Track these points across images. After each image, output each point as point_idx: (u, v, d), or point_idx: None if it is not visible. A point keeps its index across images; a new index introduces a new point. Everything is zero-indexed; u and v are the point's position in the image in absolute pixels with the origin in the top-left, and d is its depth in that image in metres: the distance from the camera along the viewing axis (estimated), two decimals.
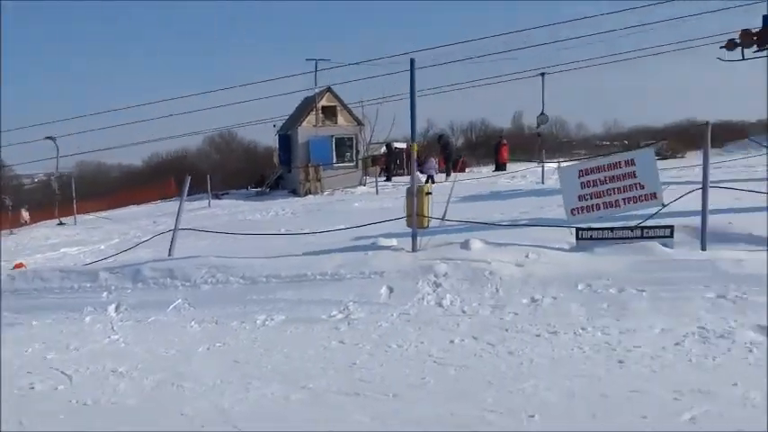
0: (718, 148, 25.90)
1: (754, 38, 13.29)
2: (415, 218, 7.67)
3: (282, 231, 11.84)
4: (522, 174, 20.51)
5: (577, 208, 7.38)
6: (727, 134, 29.93)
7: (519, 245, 7.20)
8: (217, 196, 24.82)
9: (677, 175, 12.80)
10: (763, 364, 4.29)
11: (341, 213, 14.87)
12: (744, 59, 13.38)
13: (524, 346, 4.96)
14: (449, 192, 9.28)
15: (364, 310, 6.21)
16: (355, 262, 7.28)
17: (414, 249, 7.56)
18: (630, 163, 7.13)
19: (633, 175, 7.08)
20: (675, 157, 24.35)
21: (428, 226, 7.87)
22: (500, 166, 26.84)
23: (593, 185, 7.26)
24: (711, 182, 6.99)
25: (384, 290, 6.58)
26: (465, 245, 7.29)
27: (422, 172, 24.17)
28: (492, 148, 29.70)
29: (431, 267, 6.84)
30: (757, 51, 13.43)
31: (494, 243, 7.34)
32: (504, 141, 28.95)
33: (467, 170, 27.63)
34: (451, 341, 5.21)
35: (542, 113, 27.46)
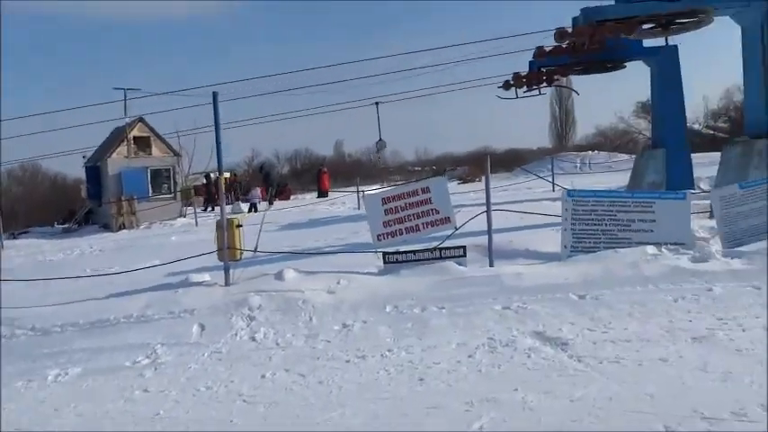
0: (508, 172, 29.21)
1: (523, 80, 15.58)
2: (226, 251, 7.54)
3: (87, 272, 10.90)
4: (341, 200, 21.08)
5: (383, 233, 7.78)
6: (519, 160, 33.97)
7: (331, 272, 7.38)
8: (13, 236, 22.21)
9: (474, 198, 13.96)
10: (539, 367, 4.78)
11: (155, 248, 14.07)
12: (517, 98, 15.57)
13: (334, 373, 5.03)
14: (260, 222, 9.25)
15: (173, 352, 5.91)
16: (164, 301, 6.96)
17: (227, 283, 7.41)
18: (426, 190, 7.72)
19: (429, 201, 7.68)
20: (474, 181, 26.84)
21: (241, 258, 7.78)
22: (322, 193, 27.48)
23: (396, 212, 7.72)
24: (495, 204, 7.77)
25: (195, 328, 6.35)
26: (279, 275, 7.31)
27: (246, 201, 24.11)
28: (314, 175, 30.36)
29: (245, 300, 6.75)
30: (527, 92, 15.75)
31: (307, 271, 7.44)
32: (325, 169, 29.80)
33: (291, 197, 27.90)
34: (263, 376, 5.14)
35: (380, 140, 29.01)
